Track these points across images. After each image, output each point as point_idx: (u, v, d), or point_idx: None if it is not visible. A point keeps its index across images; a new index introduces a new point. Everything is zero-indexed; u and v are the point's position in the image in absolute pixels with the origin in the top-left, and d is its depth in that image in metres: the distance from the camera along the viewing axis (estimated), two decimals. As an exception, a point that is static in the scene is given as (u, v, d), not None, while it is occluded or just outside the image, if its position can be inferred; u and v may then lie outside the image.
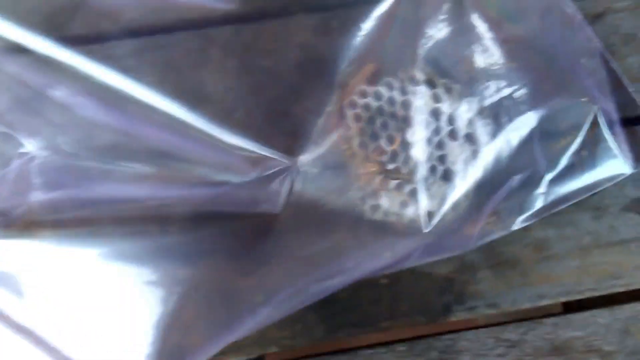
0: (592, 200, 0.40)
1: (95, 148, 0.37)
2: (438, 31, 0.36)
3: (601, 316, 0.40)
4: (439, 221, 0.35)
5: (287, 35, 0.41)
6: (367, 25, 0.39)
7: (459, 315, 0.39)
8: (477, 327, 0.40)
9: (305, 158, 0.37)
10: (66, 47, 0.40)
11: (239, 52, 0.41)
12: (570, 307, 0.41)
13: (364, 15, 0.40)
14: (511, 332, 0.40)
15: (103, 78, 0.37)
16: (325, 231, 0.36)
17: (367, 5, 0.40)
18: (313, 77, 0.41)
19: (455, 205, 0.35)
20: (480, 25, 0.37)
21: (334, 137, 0.37)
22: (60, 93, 0.37)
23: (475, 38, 0.37)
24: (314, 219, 0.36)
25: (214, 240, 0.36)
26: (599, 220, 0.40)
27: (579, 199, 0.38)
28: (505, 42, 0.39)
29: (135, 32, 0.41)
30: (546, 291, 0.39)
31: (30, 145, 0.38)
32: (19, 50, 0.38)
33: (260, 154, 0.37)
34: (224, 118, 0.40)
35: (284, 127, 0.40)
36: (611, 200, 0.40)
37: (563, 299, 0.39)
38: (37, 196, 0.37)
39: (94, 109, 0.37)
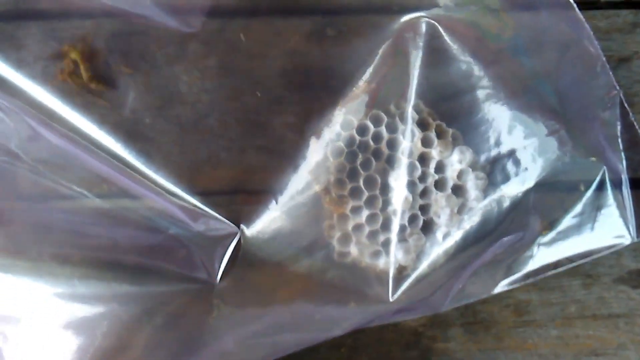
0: (584, 267, 0.36)
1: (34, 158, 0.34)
2: (439, 69, 0.32)
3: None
4: (410, 286, 0.31)
5: (277, 39, 0.37)
6: (367, 44, 0.35)
7: (421, 373, 0.36)
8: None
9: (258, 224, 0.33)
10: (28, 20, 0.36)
11: (221, 51, 0.37)
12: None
13: (364, 27, 0.36)
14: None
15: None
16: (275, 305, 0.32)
17: (368, 15, 0.36)
18: (298, 88, 0.37)
19: (433, 264, 0.32)
20: (478, 65, 0.33)
21: (309, 166, 0.33)
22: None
23: (478, 80, 0.33)
24: (264, 290, 0.32)
25: (156, 301, 0.33)
26: (588, 289, 0.37)
27: (572, 265, 0.34)
28: (507, 80, 0.35)
29: (109, 13, 0.37)
30: (520, 359, 0.36)
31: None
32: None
33: (205, 211, 0.33)
34: (194, 121, 0.37)
35: (258, 142, 0.36)
36: (605, 269, 0.37)
37: (538, 369, 0.36)
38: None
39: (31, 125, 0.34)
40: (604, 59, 0.36)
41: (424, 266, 0.32)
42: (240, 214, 0.35)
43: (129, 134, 0.35)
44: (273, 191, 0.35)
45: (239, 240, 0.33)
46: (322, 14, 0.37)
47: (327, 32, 0.37)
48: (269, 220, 0.33)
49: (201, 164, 0.36)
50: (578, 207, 0.34)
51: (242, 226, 0.33)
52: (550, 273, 0.34)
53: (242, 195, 0.36)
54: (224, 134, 0.36)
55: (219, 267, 0.32)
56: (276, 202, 0.33)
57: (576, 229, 0.34)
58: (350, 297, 0.32)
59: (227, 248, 0.33)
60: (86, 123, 0.35)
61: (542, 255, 0.34)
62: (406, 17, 0.34)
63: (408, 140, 0.31)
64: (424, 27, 0.33)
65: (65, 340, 0.33)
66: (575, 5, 0.36)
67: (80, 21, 0.36)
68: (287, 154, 0.35)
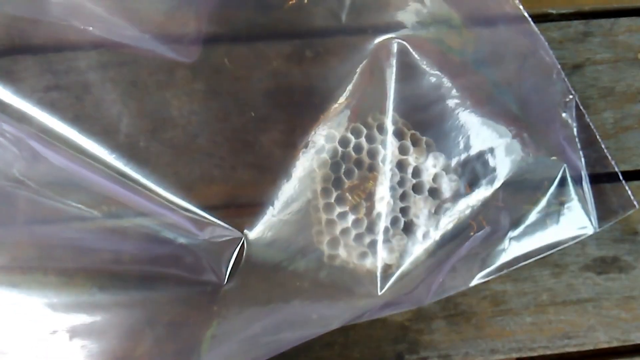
0: (552, 257, 0.40)
1: (39, 181, 0.36)
2: (411, 83, 0.35)
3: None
4: (395, 281, 0.34)
5: (259, 61, 0.40)
6: (344, 64, 0.38)
7: (410, 364, 0.39)
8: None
9: (258, 230, 0.36)
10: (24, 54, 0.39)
11: (207, 75, 0.40)
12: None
13: (340, 48, 0.39)
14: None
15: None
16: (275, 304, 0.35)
17: (343, 37, 0.39)
18: (282, 107, 0.39)
19: (415, 261, 0.34)
20: (445, 78, 0.36)
21: (298, 175, 0.36)
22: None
23: (446, 91, 0.36)
24: (265, 290, 0.35)
25: (160, 307, 0.36)
26: (558, 277, 0.40)
27: (541, 256, 0.38)
28: (472, 91, 0.38)
29: (99, 45, 0.39)
30: (499, 346, 0.39)
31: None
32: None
33: (210, 220, 0.36)
34: (186, 143, 0.39)
35: (247, 159, 0.39)
36: (572, 258, 0.40)
37: (515, 355, 0.39)
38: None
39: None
40: (559, 66, 0.40)
41: (407, 264, 0.34)
42: (238, 225, 0.37)
43: (126, 157, 0.37)
44: (264, 204, 0.38)
45: (243, 244, 0.36)
46: (300, 37, 0.40)
47: (306, 53, 0.39)
48: (267, 227, 0.35)
49: (195, 181, 0.38)
50: (543, 203, 0.37)
51: (245, 231, 0.36)
52: (521, 264, 0.37)
53: (235, 209, 0.38)
54: (215, 153, 0.39)
55: (226, 269, 0.35)
56: (273, 209, 0.36)
57: (542, 222, 0.37)
58: (341, 295, 0.35)
59: (233, 252, 0.35)
60: (85, 147, 0.37)
61: (514, 248, 0.37)
62: (379, 39, 0.37)
63: (387, 149, 0.34)
64: (395, 47, 0.36)
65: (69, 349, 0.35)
66: (529, 18, 0.39)
67: (73, 53, 0.39)
68: (275, 168, 0.38)
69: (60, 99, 0.38)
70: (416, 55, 0.36)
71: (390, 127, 0.34)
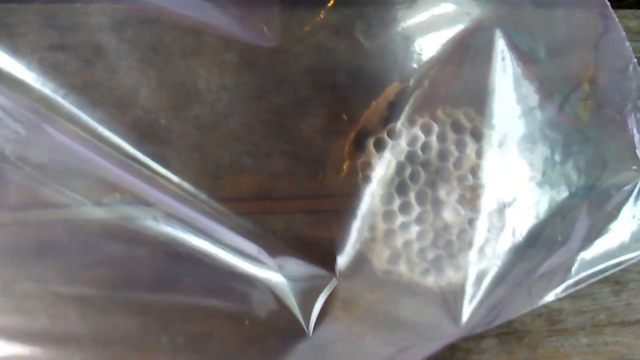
0: (614, 273, 0.36)
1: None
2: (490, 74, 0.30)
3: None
4: (476, 309, 0.30)
5: (302, 31, 0.34)
6: (404, 42, 0.33)
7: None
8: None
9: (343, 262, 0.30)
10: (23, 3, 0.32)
11: (241, 44, 0.34)
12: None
13: (398, 21, 0.33)
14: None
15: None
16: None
17: (401, 9, 0.34)
18: (326, 88, 0.34)
19: (492, 282, 0.30)
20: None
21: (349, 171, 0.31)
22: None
23: (527, 90, 0.31)
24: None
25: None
26: (618, 295, 0.37)
27: (607, 274, 0.34)
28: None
29: (115, -1, 0.33)
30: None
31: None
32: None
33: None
34: (214, 123, 0.33)
35: (284, 146, 0.34)
36: (633, 275, 0.37)
37: (569, 378, 0.36)
38: None
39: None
40: (635, 60, 0.35)
41: (483, 286, 0.30)
42: (266, 223, 0.32)
43: (143, 135, 0.32)
44: (298, 198, 0.33)
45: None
46: (350, 5, 0.34)
47: (356, 25, 0.34)
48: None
49: (223, 169, 0.33)
50: (619, 216, 0.33)
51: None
52: (588, 282, 0.34)
53: (267, 203, 0.33)
54: (247, 137, 0.33)
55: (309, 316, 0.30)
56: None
57: (615, 238, 0.34)
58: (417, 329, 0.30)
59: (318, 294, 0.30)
60: (94, 122, 0.31)
61: (582, 266, 0.33)
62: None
63: (459, 152, 0.30)
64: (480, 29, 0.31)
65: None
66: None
67: (84, 7, 0.32)
68: (316, 160, 0.33)
69: (66, 61, 0.32)
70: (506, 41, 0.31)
71: (466, 124, 0.30)
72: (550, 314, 0.36)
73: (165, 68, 0.33)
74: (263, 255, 0.30)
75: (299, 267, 0.30)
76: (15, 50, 0.31)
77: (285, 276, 0.30)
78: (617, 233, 0.34)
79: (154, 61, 0.33)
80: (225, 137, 0.33)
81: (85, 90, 0.31)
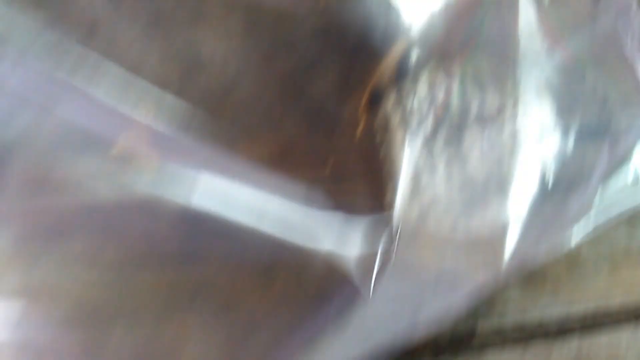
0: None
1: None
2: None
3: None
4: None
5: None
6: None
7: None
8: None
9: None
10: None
11: (244, 8, 0.33)
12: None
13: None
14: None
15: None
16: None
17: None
18: (333, 49, 0.33)
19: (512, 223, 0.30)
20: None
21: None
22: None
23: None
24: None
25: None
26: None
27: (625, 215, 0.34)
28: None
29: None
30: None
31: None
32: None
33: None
34: (225, 88, 0.32)
35: (296, 110, 0.33)
36: (646, 214, 0.37)
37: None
38: None
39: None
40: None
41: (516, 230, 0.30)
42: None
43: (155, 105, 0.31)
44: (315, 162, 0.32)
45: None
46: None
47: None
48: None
49: (239, 134, 0.32)
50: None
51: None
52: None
53: (285, 167, 0.32)
54: (259, 102, 0.32)
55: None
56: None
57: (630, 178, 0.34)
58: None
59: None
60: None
61: (602, 206, 0.33)
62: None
63: (482, 103, 0.30)
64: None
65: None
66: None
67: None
68: (329, 122, 0.33)
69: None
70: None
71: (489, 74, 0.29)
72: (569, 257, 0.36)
73: (166, 37, 0.32)
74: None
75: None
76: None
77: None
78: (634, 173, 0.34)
79: (154, 31, 0.32)
80: (236, 105, 0.32)
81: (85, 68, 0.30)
